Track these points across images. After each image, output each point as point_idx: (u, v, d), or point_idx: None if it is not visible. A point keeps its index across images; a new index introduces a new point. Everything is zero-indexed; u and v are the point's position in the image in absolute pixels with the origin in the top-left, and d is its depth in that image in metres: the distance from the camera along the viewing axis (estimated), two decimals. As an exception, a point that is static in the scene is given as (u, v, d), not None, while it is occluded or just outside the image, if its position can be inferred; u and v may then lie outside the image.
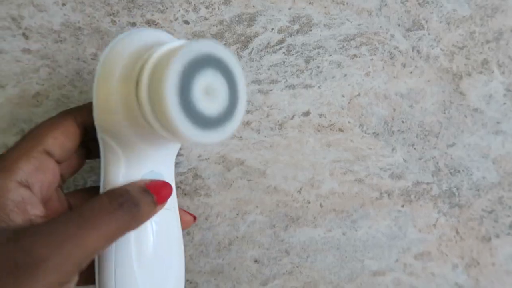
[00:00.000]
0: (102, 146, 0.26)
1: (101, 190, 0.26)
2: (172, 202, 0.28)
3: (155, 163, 0.26)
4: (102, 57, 0.25)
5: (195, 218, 0.32)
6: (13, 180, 0.23)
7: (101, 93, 0.25)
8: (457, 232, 0.36)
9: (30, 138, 0.25)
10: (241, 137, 0.34)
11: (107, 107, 0.25)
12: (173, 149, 0.28)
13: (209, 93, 0.23)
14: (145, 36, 0.25)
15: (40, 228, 0.22)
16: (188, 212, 0.31)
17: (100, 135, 0.26)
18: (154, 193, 0.25)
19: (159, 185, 0.25)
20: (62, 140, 0.25)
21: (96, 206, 0.23)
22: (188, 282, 0.35)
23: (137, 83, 0.23)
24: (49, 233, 0.21)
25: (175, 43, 0.24)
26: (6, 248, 0.21)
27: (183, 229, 0.30)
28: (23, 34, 0.32)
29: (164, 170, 0.27)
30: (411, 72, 0.35)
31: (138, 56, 0.24)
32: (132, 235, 0.26)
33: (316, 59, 0.34)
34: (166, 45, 0.24)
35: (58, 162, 0.26)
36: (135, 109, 0.23)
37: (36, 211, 0.23)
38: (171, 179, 0.28)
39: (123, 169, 0.26)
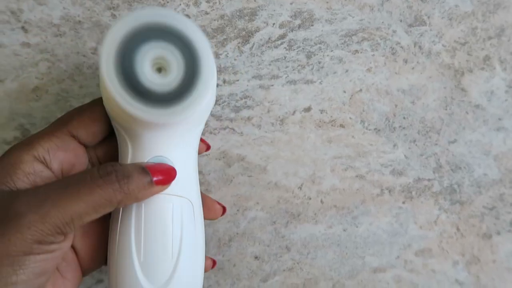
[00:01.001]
0: (116, 132, 0.26)
1: None
2: (188, 190, 0.27)
3: (162, 149, 0.25)
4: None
5: (224, 208, 0.31)
6: (30, 154, 0.24)
7: (99, 82, 0.25)
8: (458, 229, 0.36)
9: (57, 121, 0.26)
10: (241, 132, 0.34)
11: (103, 95, 0.25)
12: (181, 134, 0.26)
13: (159, 65, 0.22)
14: (140, 17, 0.23)
15: (26, 191, 0.23)
16: (217, 202, 0.31)
17: (112, 122, 0.26)
18: (153, 173, 0.24)
19: (160, 167, 0.25)
20: (87, 123, 0.26)
21: (83, 175, 0.24)
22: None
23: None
24: (31, 194, 0.22)
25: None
26: None
27: (209, 219, 0.29)
28: (22, 27, 0.32)
29: (174, 156, 0.26)
30: (413, 68, 0.34)
31: None
32: (133, 216, 0.25)
33: (317, 54, 0.34)
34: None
35: (85, 145, 0.27)
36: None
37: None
38: (184, 166, 0.26)
39: (130, 154, 0.25)
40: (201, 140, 0.30)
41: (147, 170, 0.24)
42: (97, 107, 0.26)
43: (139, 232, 0.25)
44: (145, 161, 0.25)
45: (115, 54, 0.21)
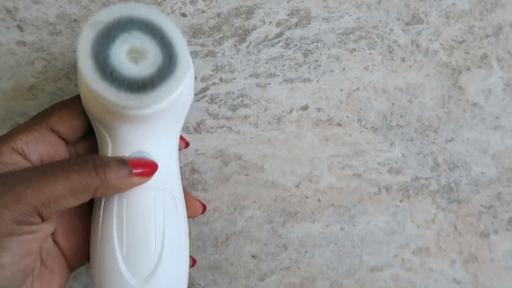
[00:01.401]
0: (95, 130, 0.27)
1: None
2: (170, 184, 0.27)
3: (142, 144, 0.26)
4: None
5: (204, 207, 0.31)
6: (8, 146, 0.25)
7: (78, 78, 0.25)
8: (456, 228, 0.36)
9: (37, 115, 0.27)
10: (238, 131, 0.34)
11: (80, 88, 0.25)
12: (161, 128, 0.27)
13: (135, 56, 0.23)
14: (108, 13, 0.24)
15: (1, 175, 0.24)
16: (198, 200, 0.31)
17: (91, 121, 0.27)
18: (133, 166, 0.25)
19: (141, 161, 0.25)
20: (67, 118, 0.26)
21: (60, 161, 0.24)
22: (185, 277, 0.35)
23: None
24: (6, 177, 0.23)
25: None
26: None
27: (189, 217, 0.29)
28: (18, 26, 0.31)
29: (154, 151, 0.26)
30: (410, 67, 0.34)
31: None
32: (115, 210, 0.25)
33: (314, 52, 0.33)
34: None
35: (65, 140, 0.27)
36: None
37: None
38: (165, 161, 0.27)
39: (110, 150, 0.26)
40: (180, 137, 0.30)
41: (126, 161, 0.25)
42: (77, 103, 0.27)
43: (121, 225, 0.25)
44: (126, 155, 0.26)
45: (92, 43, 0.22)
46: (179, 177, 0.28)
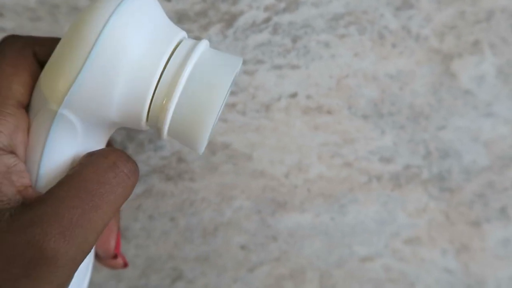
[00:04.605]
0: (47, 117, 0.20)
1: (42, 168, 0.20)
2: None
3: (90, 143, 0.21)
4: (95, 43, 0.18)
5: (125, 264, 0.25)
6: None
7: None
8: (447, 217, 0.35)
9: None
10: (226, 119, 0.33)
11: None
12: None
13: None
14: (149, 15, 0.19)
15: (40, 210, 0.17)
16: (122, 257, 0.25)
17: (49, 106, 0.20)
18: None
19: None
20: (31, 84, 0.20)
21: (95, 171, 0.19)
22: (173, 269, 0.34)
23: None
24: (54, 216, 0.17)
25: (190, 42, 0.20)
26: (10, 237, 0.17)
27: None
28: (-3, 11, 0.31)
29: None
30: (400, 53, 0.34)
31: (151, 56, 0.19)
32: None
33: (303, 38, 0.33)
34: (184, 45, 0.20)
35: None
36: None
37: (23, 180, 0.19)
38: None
39: (75, 148, 0.21)
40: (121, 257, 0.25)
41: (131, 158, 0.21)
42: (29, 59, 0.21)
43: None
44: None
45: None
46: None
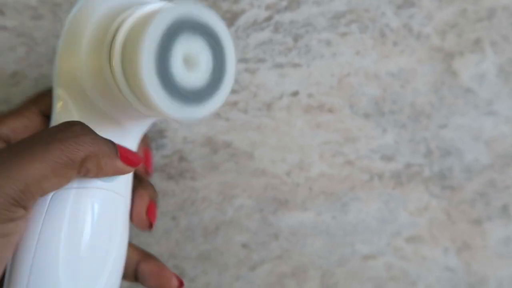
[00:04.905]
0: (61, 108, 0.23)
1: None
2: (127, 190, 0.25)
3: (122, 138, 0.24)
4: (67, 20, 0.23)
5: (181, 284, 0.26)
6: None
7: (66, 63, 0.23)
8: (449, 215, 0.35)
9: (27, 100, 0.25)
10: (227, 118, 0.33)
11: (73, 77, 0.23)
12: (144, 125, 0.25)
13: (191, 63, 0.21)
14: (176, 11, 0.21)
15: None
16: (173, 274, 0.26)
17: (60, 103, 0.23)
18: (119, 150, 0.22)
19: (125, 148, 0.23)
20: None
21: (40, 131, 0.21)
22: (174, 268, 0.34)
23: (110, 51, 0.21)
24: None
25: (153, 5, 0.22)
26: None
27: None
28: (-1, 10, 0.31)
29: (131, 147, 0.24)
30: (402, 51, 0.34)
31: (111, 18, 0.22)
32: (67, 212, 0.22)
33: (304, 37, 0.33)
34: (143, 6, 0.21)
35: None
36: (109, 81, 0.21)
37: None
38: None
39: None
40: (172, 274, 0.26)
41: (112, 142, 0.22)
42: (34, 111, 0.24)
43: (75, 226, 0.22)
44: None
45: (155, 51, 0.20)
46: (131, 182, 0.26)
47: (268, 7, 0.32)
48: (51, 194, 0.22)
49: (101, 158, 0.21)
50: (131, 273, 0.26)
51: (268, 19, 0.32)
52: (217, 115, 0.33)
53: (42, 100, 0.24)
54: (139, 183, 0.26)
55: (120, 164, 0.22)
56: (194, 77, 0.21)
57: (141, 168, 0.28)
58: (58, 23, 0.31)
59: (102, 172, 0.22)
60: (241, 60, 0.33)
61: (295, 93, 0.33)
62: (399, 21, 0.33)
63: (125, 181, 0.24)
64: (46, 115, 0.24)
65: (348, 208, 0.34)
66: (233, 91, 0.33)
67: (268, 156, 0.33)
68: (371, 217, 0.35)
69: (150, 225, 0.25)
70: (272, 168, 0.34)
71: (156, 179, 0.33)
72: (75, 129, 0.21)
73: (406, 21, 0.33)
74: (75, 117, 0.23)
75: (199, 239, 0.34)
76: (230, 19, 0.32)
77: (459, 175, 0.35)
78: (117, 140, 0.23)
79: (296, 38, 0.33)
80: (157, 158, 0.33)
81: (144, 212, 0.25)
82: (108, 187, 0.23)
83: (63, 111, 0.23)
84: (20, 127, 0.23)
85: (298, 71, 0.33)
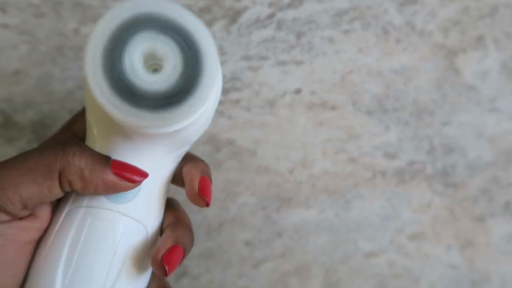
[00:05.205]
0: (88, 131, 0.23)
1: None
2: (147, 216, 0.23)
3: (134, 159, 0.22)
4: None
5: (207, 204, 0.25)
6: None
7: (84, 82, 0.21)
8: (452, 212, 0.35)
9: (63, 124, 0.25)
10: (230, 116, 0.33)
11: (86, 99, 0.22)
12: (162, 149, 0.22)
13: (153, 65, 0.19)
14: (133, 8, 0.20)
15: None
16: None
17: (89, 124, 0.23)
18: (114, 164, 0.21)
19: (124, 163, 0.22)
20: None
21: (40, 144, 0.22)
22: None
23: None
24: None
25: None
26: None
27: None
28: (1, 8, 0.30)
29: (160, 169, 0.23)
30: (405, 48, 0.34)
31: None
32: (75, 224, 0.21)
33: (307, 34, 0.33)
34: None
35: None
36: None
37: None
38: (149, 186, 0.23)
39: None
40: (203, 182, 0.24)
41: (108, 156, 0.21)
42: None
43: (74, 247, 0.21)
44: None
45: (103, 48, 0.18)
46: (162, 211, 0.24)
47: (270, 5, 0.32)
48: (66, 210, 0.22)
49: (84, 169, 0.20)
50: None
51: (271, 16, 0.32)
52: (220, 113, 0.33)
53: (75, 125, 0.24)
54: (189, 160, 0.25)
55: (111, 177, 0.21)
56: (157, 80, 0.19)
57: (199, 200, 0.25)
58: (60, 21, 0.31)
59: (89, 186, 0.21)
60: (244, 57, 0.32)
61: (298, 91, 0.33)
62: (401, 18, 0.33)
63: (143, 205, 0.23)
64: (82, 138, 0.23)
65: (351, 206, 0.34)
66: (236, 89, 0.33)
67: (271, 153, 0.33)
68: (374, 214, 0.35)
69: (206, 203, 0.24)
70: (275, 166, 0.34)
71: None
72: (64, 142, 0.21)
73: (409, 18, 0.33)
74: (97, 141, 0.22)
75: (203, 236, 0.34)
76: (233, 16, 0.32)
77: (462, 172, 0.35)
78: (138, 162, 0.21)
79: (298, 36, 0.33)
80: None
81: (196, 190, 0.24)
82: (117, 208, 0.22)
83: (88, 133, 0.23)
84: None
85: (301, 68, 0.33)
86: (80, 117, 0.24)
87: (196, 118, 0.20)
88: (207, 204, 0.24)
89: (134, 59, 0.19)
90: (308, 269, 0.34)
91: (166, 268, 0.22)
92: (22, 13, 0.31)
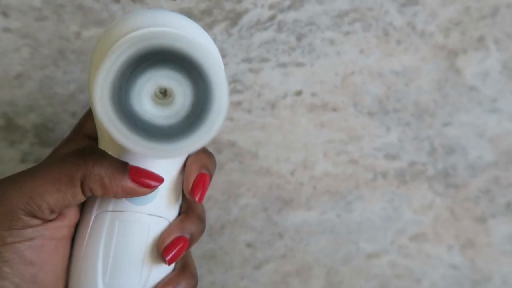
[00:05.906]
0: (100, 136, 0.24)
1: None
2: (170, 211, 0.24)
3: (151, 166, 0.23)
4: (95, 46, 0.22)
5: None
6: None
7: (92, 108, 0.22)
8: (453, 213, 0.35)
9: (76, 125, 0.26)
10: (231, 118, 0.33)
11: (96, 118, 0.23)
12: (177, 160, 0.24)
13: (163, 98, 0.19)
14: (142, 18, 0.20)
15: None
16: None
17: (99, 130, 0.24)
18: (132, 170, 0.22)
19: (144, 169, 0.23)
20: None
21: (59, 152, 0.23)
22: (179, 267, 0.34)
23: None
24: None
25: (141, 31, 0.19)
26: None
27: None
28: (3, 12, 0.31)
29: (161, 171, 0.23)
30: (406, 49, 0.34)
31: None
32: (105, 229, 0.23)
33: (308, 36, 0.33)
34: (127, 34, 0.20)
35: None
36: None
37: None
38: (168, 183, 0.24)
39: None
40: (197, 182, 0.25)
41: (125, 162, 0.22)
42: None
43: (108, 250, 0.23)
44: None
45: (113, 80, 0.18)
46: (180, 200, 0.25)
47: (271, 7, 0.32)
48: (93, 215, 0.23)
49: (104, 177, 0.22)
50: None
51: (272, 18, 0.32)
52: (221, 114, 0.33)
53: (85, 126, 0.25)
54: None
55: (129, 183, 0.22)
56: (166, 113, 0.19)
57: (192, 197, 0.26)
58: (62, 24, 0.31)
59: (109, 192, 0.22)
60: (245, 59, 0.33)
61: (299, 92, 0.33)
62: (402, 20, 0.33)
63: (163, 201, 0.24)
64: (93, 138, 0.24)
65: (352, 207, 0.34)
66: (237, 91, 0.33)
67: (273, 155, 0.34)
68: (375, 215, 0.35)
69: (198, 198, 0.24)
70: (276, 167, 0.34)
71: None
72: (83, 151, 0.22)
73: (410, 19, 0.33)
74: (110, 145, 0.23)
75: (204, 238, 0.34)
76: (234, 18, 0.32)
77: (463, 173, 0.35)
78: (152, 163, 0.23)
79: (299, 37, 0.33)
80: (161, 158, 0.33)
81: (189, 187, 0.24)
82: (141, 210, 0.23)
83: (100, 136, 0.24)
84: None
85: (302, 70, 0.33)
86: (89, 117, 0.25)
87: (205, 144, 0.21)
88: (199, 199, 0.25)
89: (144, 93, 0.19)
90: (310, 270, 0.34)
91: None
92: (24, 17, 0.31)
